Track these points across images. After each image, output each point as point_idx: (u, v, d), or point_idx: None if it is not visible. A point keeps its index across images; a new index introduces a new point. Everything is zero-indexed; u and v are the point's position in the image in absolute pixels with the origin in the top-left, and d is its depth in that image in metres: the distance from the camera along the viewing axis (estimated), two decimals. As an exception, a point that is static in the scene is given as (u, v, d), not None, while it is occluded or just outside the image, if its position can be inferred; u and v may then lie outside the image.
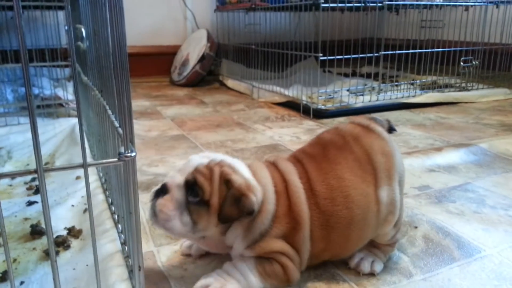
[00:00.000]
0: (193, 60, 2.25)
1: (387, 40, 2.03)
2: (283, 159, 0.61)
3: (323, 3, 1.41)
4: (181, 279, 0.59)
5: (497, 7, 1.79)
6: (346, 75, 2.13)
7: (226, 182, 0.54)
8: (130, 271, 0.54)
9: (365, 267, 0.61)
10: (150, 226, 0.74)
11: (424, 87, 1.87)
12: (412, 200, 0.85)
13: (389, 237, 0.62)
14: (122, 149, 0.43)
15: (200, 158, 0.57)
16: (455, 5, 1.81)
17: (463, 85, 1.86)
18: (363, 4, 1.50)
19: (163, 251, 0.67)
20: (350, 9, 2.05)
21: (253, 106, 1.80)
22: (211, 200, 0.53)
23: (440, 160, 1.07)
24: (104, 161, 0.46)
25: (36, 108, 1.45)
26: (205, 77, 2.33)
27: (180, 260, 0.65)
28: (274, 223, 0.55)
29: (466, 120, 1.47)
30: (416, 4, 1.77)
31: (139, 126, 1.44)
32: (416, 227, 0.74)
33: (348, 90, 1.65)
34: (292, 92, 1.73)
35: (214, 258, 0.65)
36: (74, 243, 0.66)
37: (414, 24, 2.13)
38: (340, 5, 1.45)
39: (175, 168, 0.58)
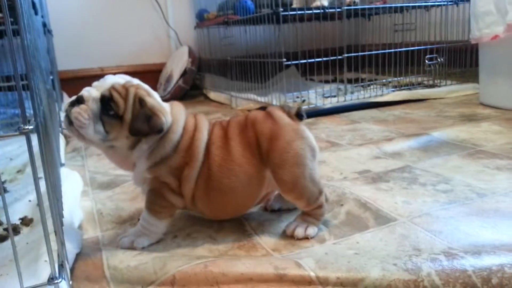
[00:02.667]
0: (176, 75, 2.34)
1: (365, 46, 2.12)
2: (204, 116, 0.70)
3: (283, 11, 1.50)
4: (115, 251, 0.66)
5: (457, 5, 1.86)
6: (327, 82, 2.21)
7: (140, 101, 0.61)
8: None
9: (299, 232, 0.68)
10: (99, 214, 0.81)
11: (397, 87, 1.93)
12: (349, 182, 0.91)
13: (302, 206, 0.69)
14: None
15: (117, 78, 0.64)
16: (415, 6, 1.89)
17: (430, 82, 1.92)
18: (322, 11, 1.58)
19: (107, 235, 0.74)
20: (326, 18, 2.13)
21: (230, 113, 1.88)
22: (125, 116, 0.60)
23: (388, 148, 1.13)
24: (5, 135, 0.53)
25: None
26: (189, 91, 2.42)
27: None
28: (174, 152, 0.64)
29: (428, 114, 1.53)
30: (370, 8, 1.85)
31: (116, 137, 1.52)
32: (342, 205, 0.79)
33: (315, 93, 1.73)
34: (265, 98, 1.81)
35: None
36: (25, 229, 0.73)
37: (387, 29, 2.21)
38: (299, 12, 1.54)
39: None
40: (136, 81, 0.65)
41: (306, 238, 0.67)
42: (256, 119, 0.68)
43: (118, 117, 0.60)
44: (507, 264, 0.56)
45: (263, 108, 0.75)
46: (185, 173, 0.65)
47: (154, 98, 0.64)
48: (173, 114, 0.66)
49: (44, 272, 0.54)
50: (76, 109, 0.59)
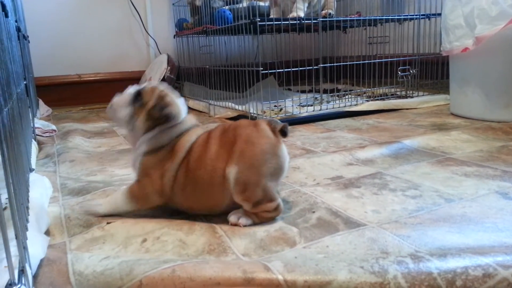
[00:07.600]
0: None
1: (341, 58, 2.16)
2: (205, 128, 0.81)
3: (260, 21, 1.52)
4: (81, 256, 0.64)
5: (429, 19, 1.92)
6: (304, 92, 2.25)
7: (161, 97, 0.75)
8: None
9: (232, 218, 0.74)
10: (67, 219, 0.80)
11: (371, 97, 1.97)
12: (322, 188, 0.91)
13: (246, 208, 0.73)
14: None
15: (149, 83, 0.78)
16: (389, 20, 1.94)
17: (403, 93, 1.97)
18: (298, 22, 1.61)
19: (74, 240, 0.72)
20: (303, 30, 2.16)
21: (207, 121, 1.87)
22: (147, 104, 0.75)
23: (360, 155, 1.14)
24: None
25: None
26: (167, 100, 2.41)
27: (89, 245, 0.70)
28: (166, 146, 0.75)
29: (400, 123, 1.56)
30: (345, 20, 1.89)
31: (90, 144, 1.50)
32: (314, 212, 0.80)
33: (291, 101, 1.74)
34: (243, 107, 1.82)
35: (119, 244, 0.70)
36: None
37: (362, 41, 2.26)
38: (276, 23, 1.56)
39: None
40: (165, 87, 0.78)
41: (237, 225, 0.73)
42: (240, 124, 0.75)
43: (143, 106, 0.75)
44: (471, 266, 0.57)
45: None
46: (166, 166, 0.74)
47: (174, 98, 0.76)
48: (186, 119, 0.77)
49: (3, 278, 0.52)
50: (117, 97, 0.77)
